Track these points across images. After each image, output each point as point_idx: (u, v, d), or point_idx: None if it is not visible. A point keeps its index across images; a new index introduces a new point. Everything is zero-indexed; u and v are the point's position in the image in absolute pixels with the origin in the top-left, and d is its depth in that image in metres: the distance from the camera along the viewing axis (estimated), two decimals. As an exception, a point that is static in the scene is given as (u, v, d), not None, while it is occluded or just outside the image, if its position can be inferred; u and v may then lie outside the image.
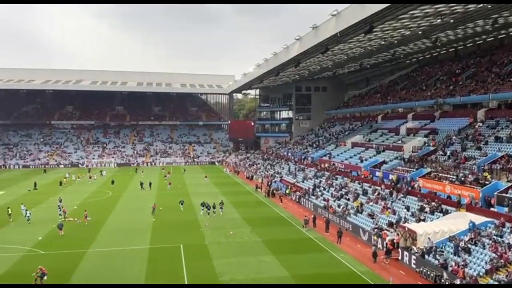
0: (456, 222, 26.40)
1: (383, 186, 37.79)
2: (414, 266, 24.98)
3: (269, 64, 60.61)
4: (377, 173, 40.92)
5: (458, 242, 24.10)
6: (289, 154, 70.79)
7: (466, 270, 21.78)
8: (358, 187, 41.10)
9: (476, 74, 46.45)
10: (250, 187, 58.91)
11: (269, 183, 56.58)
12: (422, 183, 33.84)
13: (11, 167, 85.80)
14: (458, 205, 28.73)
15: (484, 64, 47.48)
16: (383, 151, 46.62)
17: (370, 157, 46.78)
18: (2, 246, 29.97)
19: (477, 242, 23.80)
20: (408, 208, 31.66)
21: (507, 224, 24.17)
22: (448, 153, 36.13)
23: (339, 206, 38.53)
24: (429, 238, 25.29)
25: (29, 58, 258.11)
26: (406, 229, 27.04)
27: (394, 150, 44.77)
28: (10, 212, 38.59)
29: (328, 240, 31.56)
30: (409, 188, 34.58)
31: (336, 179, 46.81)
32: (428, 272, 23.44)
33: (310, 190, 46.73)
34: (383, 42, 46.17)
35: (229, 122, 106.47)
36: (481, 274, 21.26)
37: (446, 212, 28.85)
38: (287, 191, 50.65)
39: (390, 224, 30.34)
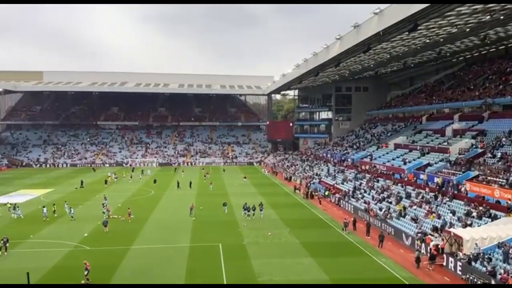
0: (506, 228, 25.11)
1: (427, 189, 36.53)
2: (460, 273, 23.91)
3: (308, 65, 60.16)
4: (421, 176, 39.57)
5: (508, 249, 22.84)
6: (328, 155, 69.88)
7: (518, 279, 20.61)
8: (401, 190, 39.92)
9: (529, 73, 43.99)
10: (289, 188, 58.66)
11: (308, 185, 56.11)
12: (469, 186, 32.38)
13: (59, 166, 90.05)
14: (508, 210, 27.28)
15: (537, 62, 44.87)
16: (428, 153, 45.09)
17: (414, 159, 45.38)
18: (51, 241, 31.45)
19: (529, 250, 22.47)
20: (454, 213, 30.41)
21: None
22: (498, 155, 34.42)
23: (380, 209, 37.58)
24: (476, 244, 24.15)
25: (77, 61, 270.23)
26: (452, 234, 25.98)
27: (440, 152, 43.20)
28: (54, 209, 40.44)
29: (369, 244, 30.83)
30: (455, 192, 33.24)
31: (378, 181, 45.70)
32: (475, 280, 22.36)
33: (350, 192, 45.90)
34: (428, 40, 44.61)
35: (268, 122, 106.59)
36: (534, 284, 20.05)
37: (494, 218, 27.47)
38: (326, 193, 50.00)
39: (435, 229, 29.21)
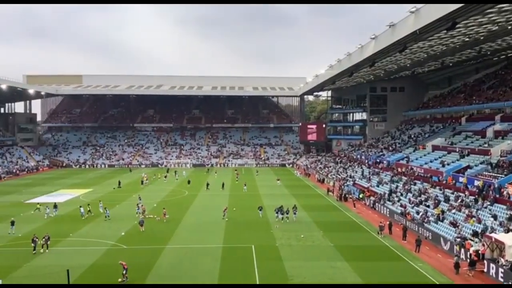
0: (553, 235, 23.84)
1: (467, 193, 35.22)
2: (502, 280, 22.90)
3: (342, 65, 59.41)
4: (461, 179, 38.17)
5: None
6: (363, 157, 68.68)
7: None
8: (439, 193, 38.68)
9: None
10: (322, 190, 58.09)
11: (341, 187, 55.35)
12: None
13: (98, 166, 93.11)
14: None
15: None
16: (468, 155, 43.47)
17: (452, 162, 43.87)
18: (90, 240, 32.53)
19: None
20: (495, 217, 29.14)
21: None
22: (544, 158, 32.74)
23: (417, 213, 36.56)
24: (520, 250, 23.07)
25: (115, 65, 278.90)
26: (493, 239, 24.95)
27: (480, 154, 41.59)
28: (89, 208, 41.74)
29: (405, 249, 30.05)
30: (497, 196, 31.86)
31: (415, 184, 44.50)
32: (520, 288, 21.37)
33: (386, 195, 44.91)
34: (467, 39, 43.01)
35: (300, 124, 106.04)
36: None
37: (540, 223, 26.14)
38: (361, 196, 49.16)
39: (475, 234, 28.10)
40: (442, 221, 33.10)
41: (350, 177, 60.83)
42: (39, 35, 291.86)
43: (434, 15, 32.65)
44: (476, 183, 35.19)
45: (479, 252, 25.64)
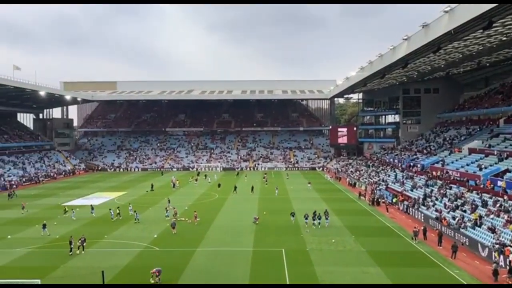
0: None
1: (506, 197, 33.81)
2: (546, 290, 21.86)
3: (373, 67, 58.45)
4: (499, 183, 36.72)
5: None
6: (396, 160, 67.21)
7: None
8: (477, 198, 37.33)
9: None
10: (353, 195, 57.22)
11: (373, 191, 54.33)
12: (556, 195, 29.55)
13: (131, 170, 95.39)
14: None
15: None
16: (506, 158, 41.80)
17: (490, 165, 42.25)
18: (124, 242, 33.30)
19: None
20: (538, 224, 27.86)
21: None
22: None
23: (454, 218, 35.39)
24: None
25: (147, 71, 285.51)
26: (536, 247, 23.82)
27: (520, 157, 39.88)
28: (119, 211, 42.76)
29: (441, 255, 29.15)
30: (540, 201, 30.44)
31: (450, 188, 43.12)
32: None
33: (420, 199, 43.74)
34: (504, 38, 41.41)
35: (330, 127, 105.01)
36: None
37: None
38: (394, 200, 48.09)
39: (516, 241, 26.97)
40: (479, 226, 31.91)
41: (383, 181, 59.63)
42: (75, 43, 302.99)
43: (469, 15, 31.61)
44: (516, 187, 33.75)
45: (520, 259, 24.56)
